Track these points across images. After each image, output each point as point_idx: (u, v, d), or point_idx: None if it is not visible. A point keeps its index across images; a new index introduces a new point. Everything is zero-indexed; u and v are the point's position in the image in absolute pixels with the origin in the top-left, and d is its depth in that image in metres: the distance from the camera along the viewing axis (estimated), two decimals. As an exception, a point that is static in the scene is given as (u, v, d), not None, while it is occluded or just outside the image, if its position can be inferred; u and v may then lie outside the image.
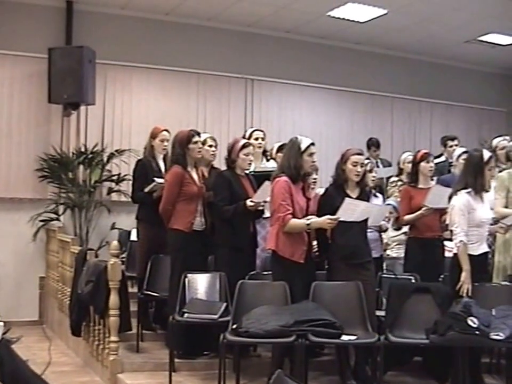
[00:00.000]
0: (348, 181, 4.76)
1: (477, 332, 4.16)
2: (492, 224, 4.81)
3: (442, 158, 7.40)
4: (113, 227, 7.77)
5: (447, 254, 5.35)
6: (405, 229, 5.87)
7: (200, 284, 5.00)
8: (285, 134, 7.96)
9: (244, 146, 5.16)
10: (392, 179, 7.02)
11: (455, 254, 4.54)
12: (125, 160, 7.75)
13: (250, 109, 8.86)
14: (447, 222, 4.81)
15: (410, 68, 9.88)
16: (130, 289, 5.60)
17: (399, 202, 5.81)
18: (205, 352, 5.14)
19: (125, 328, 5.17)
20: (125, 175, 7.60)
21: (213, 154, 5.79)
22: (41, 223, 7.50)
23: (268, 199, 4.78)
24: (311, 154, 4.65)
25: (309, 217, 4.57)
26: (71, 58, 7.25)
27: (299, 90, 9.16)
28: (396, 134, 9.77)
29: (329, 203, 4.66)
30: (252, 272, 5.05)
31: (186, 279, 4.96)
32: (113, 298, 4.97)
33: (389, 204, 5.95)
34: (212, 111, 8.59)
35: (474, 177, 4.58)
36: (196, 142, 5.26)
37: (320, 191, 5.17)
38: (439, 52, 9.73)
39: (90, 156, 7.61)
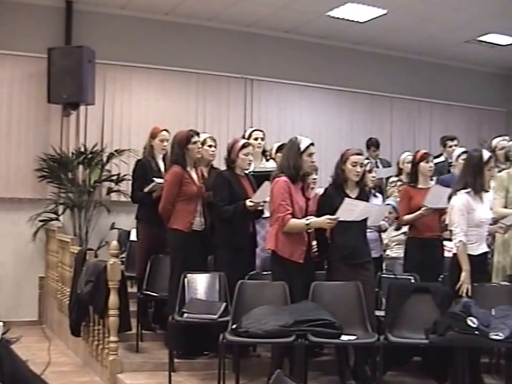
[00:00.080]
0: (347, 181, 4.76)
1: (477, 332, 4.16)
2: (491, 224, 4.81)
3: (442, 158, 7.40)
4: (112, 227, 7.76)
5: (447, 254, 5.35)
6: (405, 229, 5.87)
7: (200, 283, 5.00)
8: (284, 134, 7.96)
9: (244, 146, 5.17)
10: (391, 179, 7.02)
11: (455, 254, 4.54)
12: (125, 160, 7.75)
13: (250, 109, 8.86)
14: (447, 222, 4.81)
15: (410, 68, 9.88)
16: (129, 289, 5.60)
17: (398, 202, 5.81)
18: (205, 352, 5.14)
19: (125, 328, 5.17)
20: (125, 175, 7.60)
21: (212, 154, 5.79)
22: (41, 223, 7.50)
23: (268, 199, 4.78)
24: (311, 155, 4.66)
25: (308, 217, 4.57)
26: (71, 58, 7.24)
27: (299, 90, 9.16)
28: (395, 134, 9.77)
29: (328, 203, 4.66)
30: (252, 272, 5.05)
31: (186, 279, 4.96)
32: (113, 298, 4.97)
33: (388, 204, 5.95)
34: (211, 111, 8.59)
35: (473, 177, 4.58)
36: (195, 142, 5.26)
37: (320, 191, 5.17)
38: (438, 52, 9.73)
39: (89, 155, 7.61)
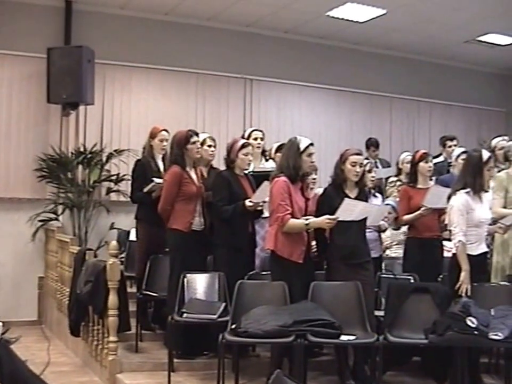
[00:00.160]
0: (347, 181, 4.76)
1: (476, 332, 4.16)
2: (490, 225, 4.81)
3: (441, 158, 7.40)
4: (112, 227, 7.76)
5: (446, 254, 5.35)
6: (404, 229, 5.87)
7: (199, 283, 5.00)
8: (284, 134, 7.97)
9: (243, 146, 5.17)
10: (391, 179, 7.02)
11: (454, 254, 4.54)
12: (124, 160, 7.74)
13: (250, 109, 8.86)
14: (446, 222, 4.81)
15: (410, 68, 9.87)
16: (129, 289, 5.61)
17: (398, 202, 5.81)
18: (204, 352, 5.14)
19: (124, 328, 5.17)
20: (124, 175, 7.60)
21: (211, 154, 5.79)
22: (40, 223, 7.49)
23: (267, 199, 4.78)
24: (310, 155, 4.66)
25: (308, 217, 4.57)
26: (70, 58, 7.23)
27: (298, 90, 9.15)
28: (394, 134, 9.77)
29: (328, 203, 4.66)
30: (251, 272, 5.05)
31: (185, 279, 4.96)
32: (112, 298, 4.97)
33: (387, 204, 5.94)
34: (211, 111, 8.58)
35: (473, 177, 4.58)
36: (194, 142, 5.26)
37: (319, 191, 5.17)
38: (438, 52, 9.73)
39: (89, 155, 7.60)
